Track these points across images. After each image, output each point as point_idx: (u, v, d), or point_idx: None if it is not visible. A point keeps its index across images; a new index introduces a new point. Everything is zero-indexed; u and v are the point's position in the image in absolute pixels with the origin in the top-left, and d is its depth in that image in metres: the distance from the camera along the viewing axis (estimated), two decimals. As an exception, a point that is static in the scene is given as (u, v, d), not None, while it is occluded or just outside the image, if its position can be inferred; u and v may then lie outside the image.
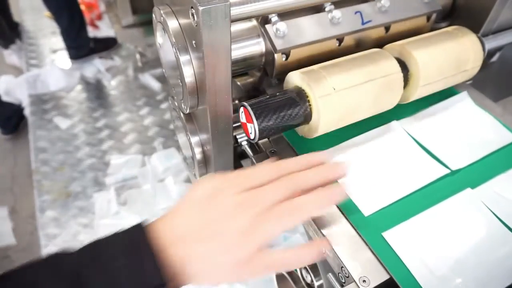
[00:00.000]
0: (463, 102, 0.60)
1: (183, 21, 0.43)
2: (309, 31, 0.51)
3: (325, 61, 0.52)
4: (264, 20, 0.50)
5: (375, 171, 0.50)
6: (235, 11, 0.41)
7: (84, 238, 1.26)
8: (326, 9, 0.52)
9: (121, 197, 1.36)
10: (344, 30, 0.53)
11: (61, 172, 1.46)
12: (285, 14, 0.51)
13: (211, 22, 0.37)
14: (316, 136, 0.51)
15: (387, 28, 0.58)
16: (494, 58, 0.72)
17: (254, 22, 0.53)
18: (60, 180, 1.43)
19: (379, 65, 0.50)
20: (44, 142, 1.57)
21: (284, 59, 0.51)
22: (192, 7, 0.38)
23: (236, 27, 0.51)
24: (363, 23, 0.54)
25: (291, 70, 0.50)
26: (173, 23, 0.45)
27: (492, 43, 0.62)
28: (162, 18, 0.46)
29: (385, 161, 0.52)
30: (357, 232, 0.44)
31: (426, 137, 0.54)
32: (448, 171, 0.50)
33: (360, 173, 0.50)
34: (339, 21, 0.52)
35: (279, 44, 0.50)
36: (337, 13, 0.52)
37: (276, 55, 0.50)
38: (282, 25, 0.49)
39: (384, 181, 0.49)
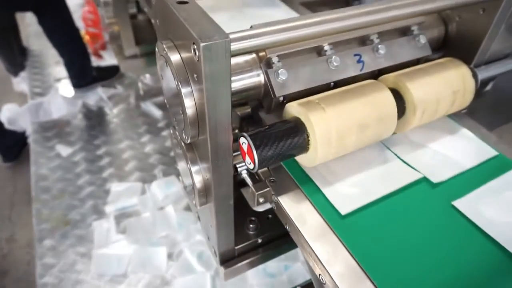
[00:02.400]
0: None
1: (185, 55, 0.45)
2: (308, 77, 0.54)
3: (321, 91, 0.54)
4: (266, 63, 0.52)
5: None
6: (235, 47, 0.42)
7: (81, 268, 1.24)
8: (327, 53, 0.55)
9: (121, 225, 1.35)
10: (341, 76, 0.55)
11: (61, 200, 1.46)
12: (286, 57, 0.53)
13: (212, 57, 0.39)
14: (314, 165, 0.52)
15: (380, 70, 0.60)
16: (488, 87, 0.73)
17: (253, 55, 0.55)
18: (59, 208, 1.43)
19: (374, 96, 0.52)
20: (45, 169, 1.58)
21: (281, 99, 0.53)
22: (194, 43, 0.39)
23: (237, 60, 0.53)
24: (361, 69, 0.57)
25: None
26: (175, 57, 0.46)
27: (485, 73, 0.64)
28: (165, 52, 0.48)
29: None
30: (358, 263, 0.44)
31: (494, 226, 0.47)
32: None
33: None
34: (337, 67, 0.55)
35: (278, 90, 0.52)
36: (336, 59, 0.54)
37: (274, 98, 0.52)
38: (283, 73, 0.52)
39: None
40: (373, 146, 0.58)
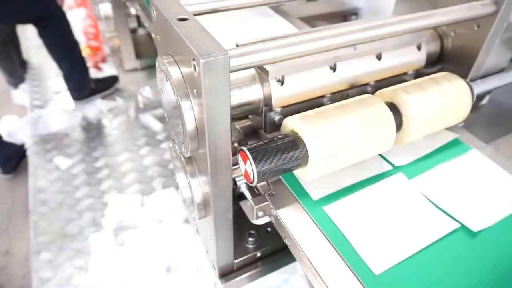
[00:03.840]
0: None
1: (185, 70, 0.46)
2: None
3: (320, 104, 0.54)
4: None
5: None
6: (235, 63, 0.43)
7: (78, 282, 1.22)
8: None
9: (119, 237, 1.34)
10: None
11: (59, 212, 1.45)
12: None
13: (211, 73, 0.39)
14: (313, 178, 0.52)
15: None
16: (484, 101, 0.74)
17: (252, 70, 0.55)
18: (57, 220, 1.41)
19: (370, 110, 0.52)
20: (43, 182, 1.57)
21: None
22: (194, 59, 0.40)
23: (236, 75, 0.54)
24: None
25: (290, 111, 0.53)
26: (175, 72, 0.47)
27: (481, 87, 0.65)
28: (165, 67, 0.48)
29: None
30: (358, 279, 0.44)
31: None
32: None
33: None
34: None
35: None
36: None
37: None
38: None
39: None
40: (402, 186, 0.55)
